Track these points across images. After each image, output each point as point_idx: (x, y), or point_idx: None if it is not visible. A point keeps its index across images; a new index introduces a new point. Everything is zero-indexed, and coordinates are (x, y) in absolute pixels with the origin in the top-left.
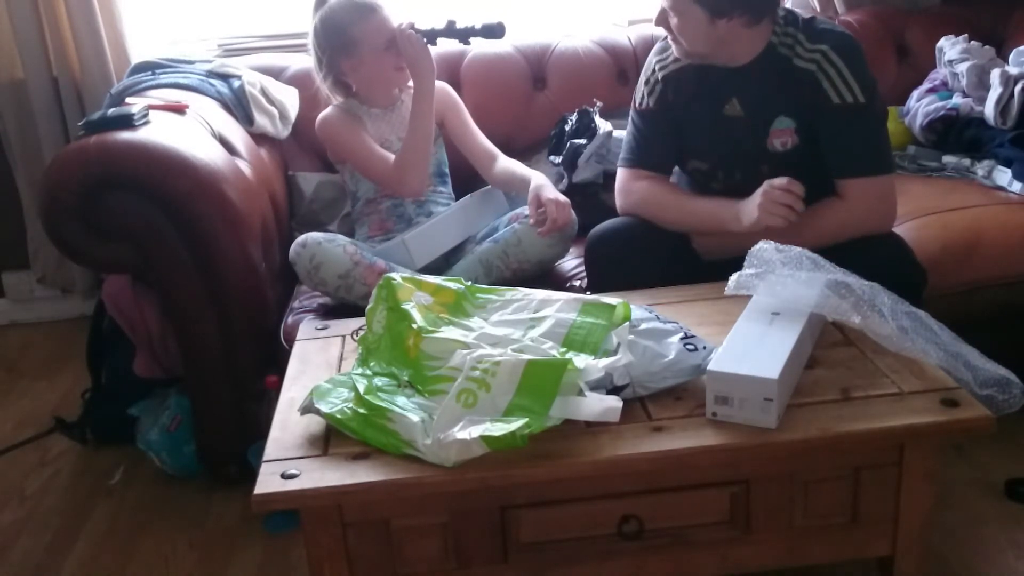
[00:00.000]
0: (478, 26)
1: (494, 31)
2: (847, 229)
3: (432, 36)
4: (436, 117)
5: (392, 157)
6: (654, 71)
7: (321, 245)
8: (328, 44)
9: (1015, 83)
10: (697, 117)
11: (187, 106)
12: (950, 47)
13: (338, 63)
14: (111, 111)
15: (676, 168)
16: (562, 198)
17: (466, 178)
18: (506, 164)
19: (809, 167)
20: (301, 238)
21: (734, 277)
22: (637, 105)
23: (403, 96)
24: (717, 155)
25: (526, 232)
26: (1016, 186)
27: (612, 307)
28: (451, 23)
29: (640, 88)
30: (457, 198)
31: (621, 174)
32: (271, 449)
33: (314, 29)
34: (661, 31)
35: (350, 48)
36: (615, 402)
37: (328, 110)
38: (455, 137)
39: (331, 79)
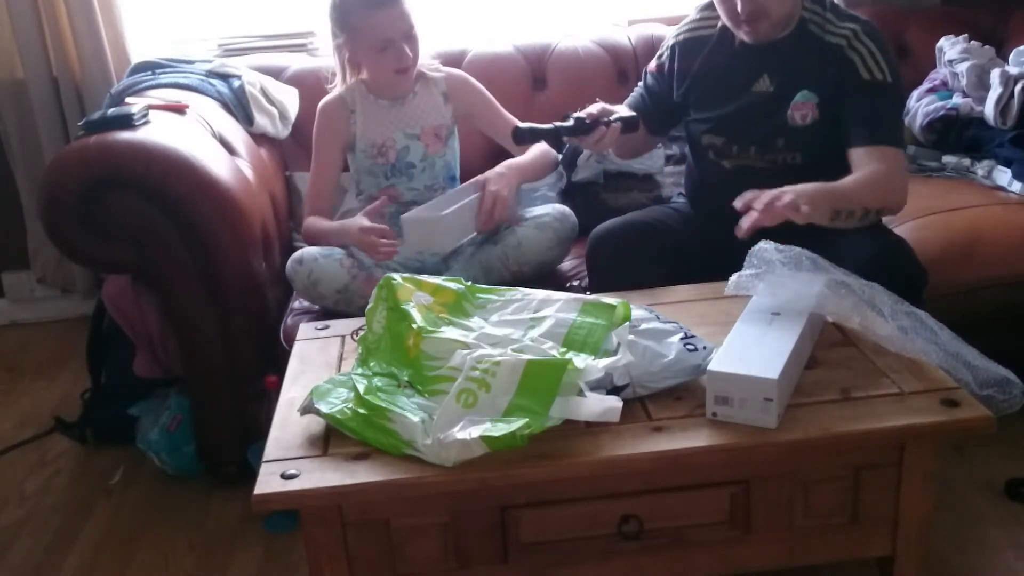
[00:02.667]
0: (613, 119)
1: (631, 124)
2: (870, 191)
3: (556, 135)
4: (464, 108)
5: (330, 193)
6: (672, 37)
7: (318, 261)
8: (335, 17)
9: (1015, 83)
10: (718, 91)
11: (187, 106)
12: (950, 47)
13: (340, 39)
14: (111, 111)
15: (687, 149)
16: (503, 193)
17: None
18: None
19: (823, 144)
20: (297, 254)
21: (734, 277)
22: (649, 67)
23: (416, 88)
24: (735, 130)
25: (526, 234)
26: (1016, 186)
27: (612, 307)
28: (580, 120)
29: (657, 53)
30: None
31: None
32: (271, 449)
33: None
34: (660, 31)
35: (349, 32)
36: (615, 402)
37: (331, 96)
38: (488, 127)
39: (338, 54)
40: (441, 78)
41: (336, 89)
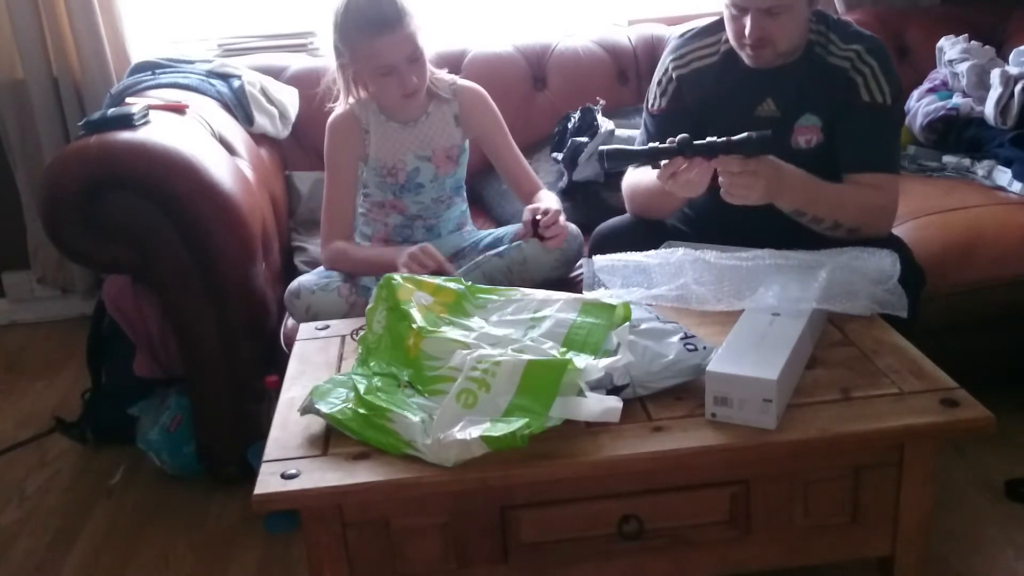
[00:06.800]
0: (751, 136)
1: (763, 143)
2: (851, 209)
3: (653, 156)
4: (473, 132)
5: (349, 216)
6: (667, 71)
7: (315, 295)
8: (337, 37)
9: (1015, 83)
10: (722, 119)
11: (187, 106)
12: (950, 47)
13: (344, 58)
14: (111, 111)
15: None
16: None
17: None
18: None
19: (829, 166)
20: (294, 286)
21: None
22: (649, 107)
23: (430, 108)
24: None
25: (533, 253)
26: (1016, 186)
27: (612, 307)
28: (686, 139)
29: (652, 90)
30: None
31: (631, 174)
32: (271, 449)
33: (335, 13)
34: (660, 31)
35: (352, 55)
36: (615, 402)
37: (341, 113)
38: (490, 151)
39: (342, 72)
40: (454, 99)
41: (344, 105)
